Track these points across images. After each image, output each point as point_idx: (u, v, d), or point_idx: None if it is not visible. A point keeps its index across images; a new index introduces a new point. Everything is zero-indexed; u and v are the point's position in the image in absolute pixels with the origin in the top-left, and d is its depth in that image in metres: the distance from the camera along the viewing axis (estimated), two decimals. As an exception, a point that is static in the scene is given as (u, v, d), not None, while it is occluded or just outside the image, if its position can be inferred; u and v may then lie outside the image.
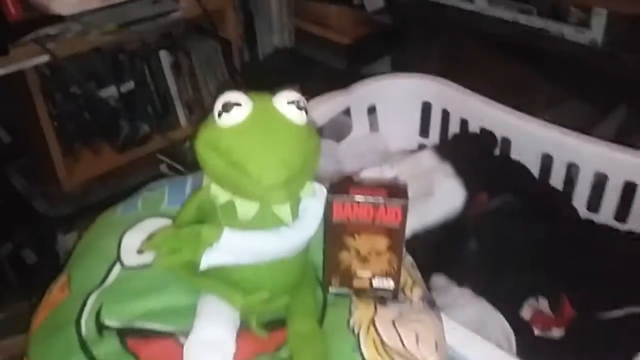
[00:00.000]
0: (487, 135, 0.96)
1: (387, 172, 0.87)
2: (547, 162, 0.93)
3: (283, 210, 0.53)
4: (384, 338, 0.54)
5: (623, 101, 1.27)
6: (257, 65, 1.64)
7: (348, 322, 0.55)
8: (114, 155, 1.44)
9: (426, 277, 0.68)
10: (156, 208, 0.66)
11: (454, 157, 0.91)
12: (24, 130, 1.42)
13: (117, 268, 0.60)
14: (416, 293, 0.61)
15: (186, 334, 0.52)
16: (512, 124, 0.94)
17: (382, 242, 0.58)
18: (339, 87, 1.04)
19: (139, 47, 1.46)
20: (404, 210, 0.56)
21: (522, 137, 0.94)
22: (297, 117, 0.52)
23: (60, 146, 1.34)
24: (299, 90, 0.54)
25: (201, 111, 1.53)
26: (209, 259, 0.53)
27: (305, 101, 0.53)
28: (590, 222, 0.89)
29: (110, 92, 1.43)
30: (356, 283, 0.59)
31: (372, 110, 1.08)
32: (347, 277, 0.59)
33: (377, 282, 0.59)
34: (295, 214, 0.55)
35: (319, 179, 0.58)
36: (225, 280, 0.55)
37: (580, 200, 0.91)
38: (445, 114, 1.04)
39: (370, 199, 0.56)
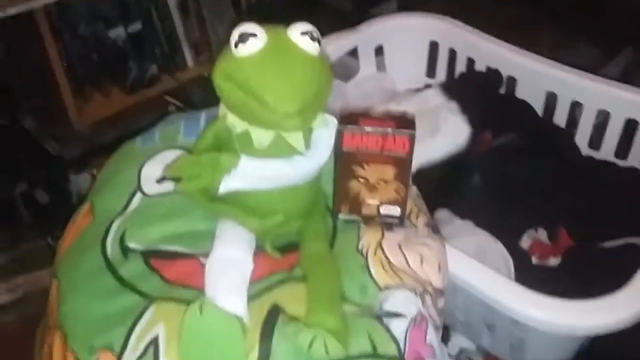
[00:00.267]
0: (493, 74, 0.98)
1: (394, 110, 0.89)
2: (551, 100, 0.95)
3: (296, 139, 0.55)
4: (391, 259, 0.57)
5: (629, 42, 1.28)
6: (263, 6, 1.63)
7: (357, 245, 0.59)
8: (123, 97, 1.46)
9: (430, 211, 0.71)
10: (173, 140, 0.68)
11: (460, 95, 0.92)
12: (33, 72, 1.43)
13: (138, 196, 0.63)
14: (421, 220, 0.65)
15: (206, 256, 0.55)
16: (518, 62, 0.96)
17: (390, 171, 0.61)
18: (346, 29, 1.04)
19: (146, -14, 1.45)
20: (412, 140, 0.59)
21: (528, 76, 0.95)
22: (310, 47, 0.54)
23: (70, 87, 1.36)
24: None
25: (208, 52, 1.53)
26: (227, 184, 0.56)
27: (318, 32, 0.55)
28: (591, 159, 0.92)
29: (118, 32, 1.43)
30: (365, 210, 0.62)
31: (379, 50, 1.10)
32: (356, 205, 0.62)
33: (384, 210, 0.62)
34: (307, 143, 0.57)
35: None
36: (240, 206, 0.58)
37: (582, 138, 0.94)
38: (452, 54, 1.05)
39: (379, 129, 0.59)
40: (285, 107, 0.52)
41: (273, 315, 0.50)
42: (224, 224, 0.58)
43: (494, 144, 0.91)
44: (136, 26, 1.45)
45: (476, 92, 0.95)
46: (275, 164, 0.56)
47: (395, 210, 0.62)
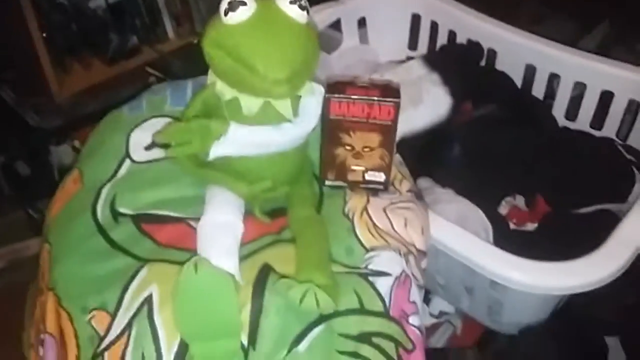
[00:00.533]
0: (473, 47, 1.00)
1: (380, 80, 0.90)
2: (530, 72, 0.97)
3: (284, 106, 0.56)
4: (376, 222, 0.59)
5: (606, 16, 1.30)
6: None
7: (343, 209, 0.61)
8: (104, 68, 1.44)
9: (413, 179, 0.73)
10: (160, 108, 0.69)
11: (442, 67, 0.94)
12: (12, 43, 1.41)
13: (127, 163, 0.64)
14: (405, 186, 0.67)
15: (196, 220, 0.56)
16: (499, 35, 0.98)
17: (375, 139, 0.62)
18: (329, 1, 1.05)
19: (126, -45, 1.43)
20: (397, 108, 0.61)
21: (508, 48, 0.97)
22: (299, 16, 0.55)
23: (50, 58, 1.34)
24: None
25: (189, 24, 1.52)
26: (216, 151, 0.57)
27: (306, 1, 0.56)
28: (568, 129, 0.95)
29: (98, 3, 1.41)
30: (350, 176, 0.64)
31: (362, 23, 1.11)
32: (342, 171, 0.64)
33: (369, 176, 0.64)
34: (295, 111, 0.59)
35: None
36: (229, 172, 0.59)
37: (559, 109, 0.96)
38: (434, 27, 1.07)
39: (365, 97, 0.60)
40: (274, 74, 0.53)
41: (264, 273, 0.52)
42: (212, 190, 0.59)
43: (474, 114, 0.93)
44: (116, -4, 1.43)
45: (457, 64, 0.97)
46: (264, 130, 0.57)
47: (380, 177, 0.64)
